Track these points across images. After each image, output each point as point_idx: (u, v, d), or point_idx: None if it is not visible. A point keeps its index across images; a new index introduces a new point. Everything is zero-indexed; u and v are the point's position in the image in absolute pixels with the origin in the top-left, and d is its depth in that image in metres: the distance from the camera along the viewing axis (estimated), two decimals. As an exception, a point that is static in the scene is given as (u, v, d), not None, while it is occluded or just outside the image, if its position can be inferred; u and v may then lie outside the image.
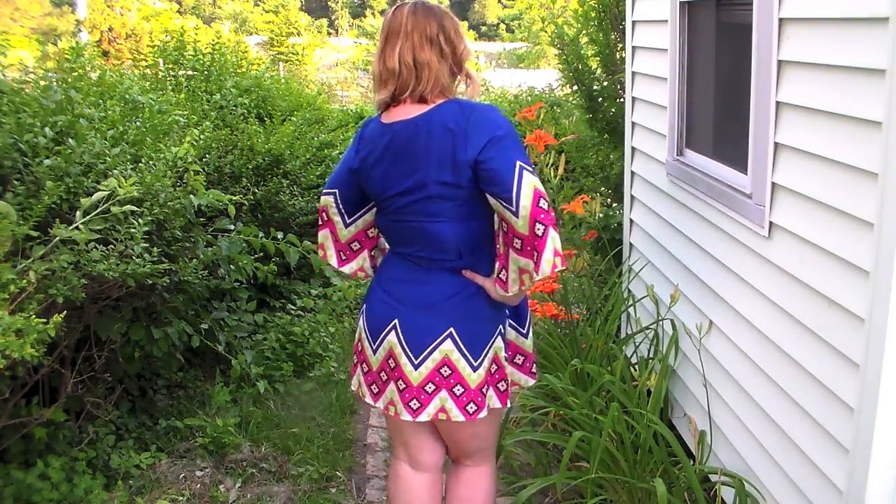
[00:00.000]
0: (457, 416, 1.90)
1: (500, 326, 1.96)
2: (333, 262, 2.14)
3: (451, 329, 1.88)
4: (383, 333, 1.95)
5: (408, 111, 1.86)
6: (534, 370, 2.10)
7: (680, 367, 2.77)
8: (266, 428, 3.24)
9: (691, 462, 2.38)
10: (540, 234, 1.71)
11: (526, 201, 1.71)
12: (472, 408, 1.90)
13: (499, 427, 2.15)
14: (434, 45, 1.85)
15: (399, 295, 1.95)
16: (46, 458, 2.51)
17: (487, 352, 1.91)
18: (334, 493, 2.84)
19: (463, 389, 1.89)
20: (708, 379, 2.49)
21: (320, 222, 2.14)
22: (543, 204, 1.72)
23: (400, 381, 1.92)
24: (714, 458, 2.46)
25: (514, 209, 1.72)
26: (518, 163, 1.74)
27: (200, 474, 2.84)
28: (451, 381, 1.89)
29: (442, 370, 1.89)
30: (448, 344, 1.88)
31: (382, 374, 1.98)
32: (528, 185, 1.72)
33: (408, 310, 1.92)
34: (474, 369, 1.89)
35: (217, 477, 2.85)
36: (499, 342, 1.95)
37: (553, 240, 1.72)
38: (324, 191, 2.10)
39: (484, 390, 1.91)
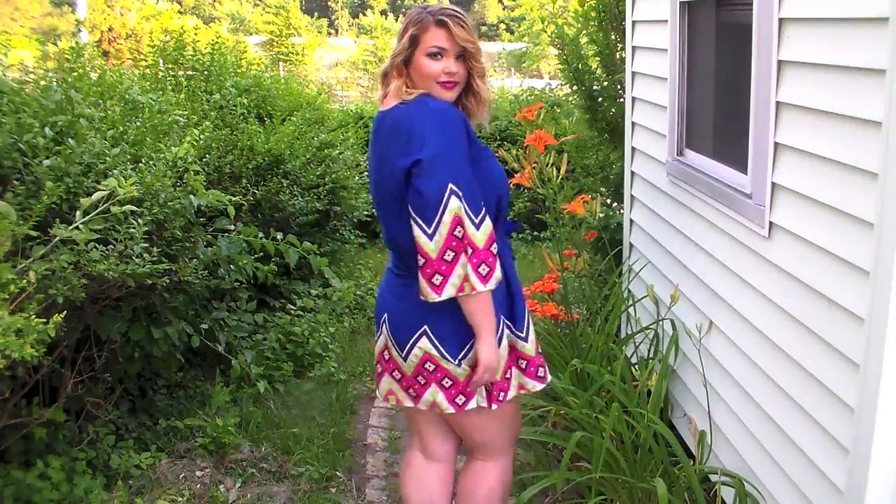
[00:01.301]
0: (447, 408, 1.93)
1: None
2: None
3: (426, 326, 1.90)
4: (380, 323, 2.02)
5: (386, 103, 1.93)
6: (540, 374, 2.06)
7: (680, 367, 2.76)
8: (266, 428, 3.24)
9: (691, 462, 2.38)
10: (450, 260, 1.76)
11: (444, 229, 1.75)
12: (461, 399, 1.92)
13: (510, 427, 2.13)
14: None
15: (389, 288, 2.01)
16: (46, 458, 2.51)
17: (468, 351, 1.90)
18: (334, 493, 2.84)
19: (452, 382, 1.92)
20: (708, 379, 2.49)
21: None
22: (458, 232, 1.75)
23: (395, 372, 1.99)
24: (714, 458, 2.46)
25: (429, 233, 1.76)
26: (449, 187, 1.75)
27: (200, 474, 2.84)
28: (438, 374, 1.92)
29: (426, 365, 1.92)
30: (425, 342, 1.91)
31: (378, 366, 2.07)
32: (450, 213, 1.75)
33: (394, 303, 1.97)
34: (458, 364, 1.90)
35: (217, 477, 2.85)
36: None
37: (462, 266, 1.76)
38: None
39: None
